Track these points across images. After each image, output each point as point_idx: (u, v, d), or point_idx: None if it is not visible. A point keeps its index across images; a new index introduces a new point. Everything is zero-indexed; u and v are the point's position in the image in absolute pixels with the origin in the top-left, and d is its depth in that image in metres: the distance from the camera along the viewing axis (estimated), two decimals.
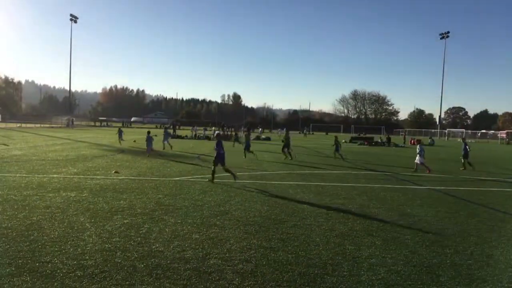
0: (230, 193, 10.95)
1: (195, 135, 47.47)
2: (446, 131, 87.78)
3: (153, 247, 6.17)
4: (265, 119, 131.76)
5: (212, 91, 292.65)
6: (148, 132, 23.08)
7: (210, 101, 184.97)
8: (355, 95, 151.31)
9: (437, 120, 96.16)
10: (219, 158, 13.13)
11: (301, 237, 7.01)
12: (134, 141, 32.17)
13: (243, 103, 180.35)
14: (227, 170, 13.20)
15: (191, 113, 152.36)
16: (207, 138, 44.61)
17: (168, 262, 5.56)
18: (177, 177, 13.69)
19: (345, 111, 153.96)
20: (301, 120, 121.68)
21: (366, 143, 46.18)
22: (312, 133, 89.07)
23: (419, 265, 5.86)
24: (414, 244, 6.84)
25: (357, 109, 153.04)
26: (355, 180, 14.79)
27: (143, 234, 6.83)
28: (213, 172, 12.99)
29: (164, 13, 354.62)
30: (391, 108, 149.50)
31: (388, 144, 44.49)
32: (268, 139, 47.89)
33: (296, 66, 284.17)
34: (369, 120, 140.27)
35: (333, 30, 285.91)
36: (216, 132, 12.94)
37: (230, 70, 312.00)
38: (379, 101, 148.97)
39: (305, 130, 78.80)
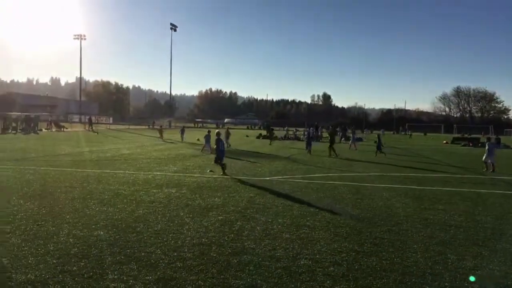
0: (320, 194, 10.84)
1: (286, 135, 47.85)
2: None
3: (245, 244, 6.36)
4: (356, 119, 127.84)
5: (302, 91, 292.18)
6: (209, 131, 24.31)
7: (299, 102, 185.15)
8: (458, 92, 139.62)
9: None
10: (220, 154, 14.39)
11: (396, 243, 6.67)
12: (198, 139, 33.56)
13: (333, 103, 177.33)
14: (220, 164, 14.34)
15: (280, 113, 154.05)
16: (297, 138, 44.67)
17: (260, 259, 5.69)
18: (267, 176, 13.95)
19: (447, 109, 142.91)
20: (395, 120, 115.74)
21: (470, 144, 42.23)
22: (410, 135, 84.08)
23: None
24: None
25: (460, 107, 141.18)
26: (458, 184, 13.64)
27: (236, 230, 7.08)
28: (223, 168, 14.22)
29: (253, 18, 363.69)
30: (500, 105, 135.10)
31: (498, 145, 40.15)
32: (360, 139, 46.36)
33: (389, 64, 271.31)
34: (474, 119, 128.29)
35: (430, 24, 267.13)
36: (217, 131, 14.21)
37: (320, 70, 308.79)
38: (486, 98, 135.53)
39: (407, 131, 74.59)
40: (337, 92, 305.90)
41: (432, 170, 17.75)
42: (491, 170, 17.48)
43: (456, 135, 61.98)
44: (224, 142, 16.46)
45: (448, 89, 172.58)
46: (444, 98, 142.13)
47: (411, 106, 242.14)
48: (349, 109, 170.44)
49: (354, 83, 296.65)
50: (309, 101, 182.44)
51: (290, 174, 14.92)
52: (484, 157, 18.21)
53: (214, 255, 5.81)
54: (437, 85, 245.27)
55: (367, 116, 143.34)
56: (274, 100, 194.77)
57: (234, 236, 6.73)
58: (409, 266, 5.63)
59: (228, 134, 29.29)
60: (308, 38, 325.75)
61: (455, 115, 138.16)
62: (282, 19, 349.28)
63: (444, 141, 44.77)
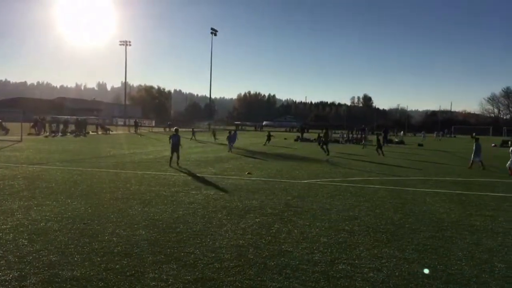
0: (360, 198, 10.63)
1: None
2: None
3: (283, 246, 6.35)
4: (398, 121, 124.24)
5: (341, 93, 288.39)
6: (229, 132, 26.52)
7: (339, 104, 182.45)
8: (507, 93, 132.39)
9: None
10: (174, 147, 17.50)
11: (439, 250, 6.42)
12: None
13: (374, 104, 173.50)
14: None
15: (319, 116, 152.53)
16: (336, 141, 44.05)
17: (297, 262, 5.66)
18: (305, 179, 13.85)
19: (495, 111, 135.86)
20: (440, 122, 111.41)
21: None
22: (454, 136, 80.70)
23: None
24: None
25: (510, 108, 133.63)
26: (507, 189, 12.93)
27: (273, 233, 7.08)
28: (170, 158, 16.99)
29: (291, 20, 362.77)
30: None
31: None
32: (402, 142, 45.04)
33: (434, 63, 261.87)
34: None
35: (478, 23, 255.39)
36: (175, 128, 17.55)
37: (361, 71, 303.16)
38: None
39: (440, 134, 71.63)
40: (378, 94, 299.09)
41: (479, 174, 16.93)
42: None
43: (506, 138, 58.74)
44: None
45: (497, 90, 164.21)
46: (492, 99, 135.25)
47: (457, 107, 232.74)
48: (391, 111, 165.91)
49: (396, 84, 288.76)
50: (348, 103, 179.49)
51: (328, 177, 14.74)
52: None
53: (252, 257, 5.84)
54: (485, 85, 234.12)
55: (410, 118, 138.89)
56: (313, 102, 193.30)
57: (272, 239, 6.74)
58: (453, 274, 5.40)
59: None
60: (348, 38, 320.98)
61: (504, 117, 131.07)
62: (320, 20, 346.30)
63: (493, 144, 42.56)
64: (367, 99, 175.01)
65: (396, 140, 47.94)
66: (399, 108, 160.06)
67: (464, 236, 7.22)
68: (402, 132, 79.47)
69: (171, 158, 17.49)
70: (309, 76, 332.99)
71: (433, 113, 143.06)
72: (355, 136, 46.96)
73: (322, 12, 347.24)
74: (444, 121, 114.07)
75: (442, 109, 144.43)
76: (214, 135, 39.57)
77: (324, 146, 24.99)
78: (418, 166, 19.55)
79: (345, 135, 46.66)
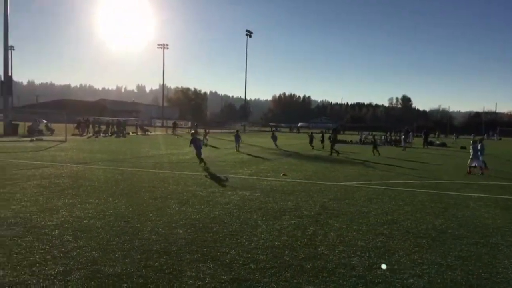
0: (399, 202, 10.35)
1: (361, 140, 46.40)
2: None
3: (319, 249, 6.28)
4: (439, 122, 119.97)
5: (379, 94, 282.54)
6: (237, 131, 28.46)
7: (376, 105, 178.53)
8: None
9: None
10: (198, 149, 18.16)
11: (484, 257, 6.14)
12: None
13: (413, 105, 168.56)
14: (199, 158, 17.77)
15: (356, 117, 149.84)
16: (373, 143, 43.07)
17: (334, 266, 5.58)
18: (342, 182, 13.64)
19: None
20: (484, 124, 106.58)
21: None
22: (500, 138, 76.93)
23: None
24: None
25: None
26: None
27: (309, 235, 7.01)
28: (201, 160, 17.75)
29: (326, 20, 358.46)
30: None
31: None
32: (443, 145, 43.46)
33: (478, 64, 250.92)
34: None
35: None
36: (192, 131, 19.84)
37: (399, 71, 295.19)
38: None
39: (495, 136, 68.14)
40: (418, 94, 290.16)
41: None
42: None
43: None
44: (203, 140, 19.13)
45: None
46: None
47: (502, 109, 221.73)
48: (431, 112, 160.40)
49: (437, 84, 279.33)
50: (386, 104, 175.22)
51: (365, 179, 14.45)
52: None
53: (287, 259, 5.81)
54: None
55: (452, 120, 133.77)
56: (349, 103, 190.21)
57: (307, 241, 6.68)
58: (498, 283, 5.15)
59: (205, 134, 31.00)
60: (386, 38, 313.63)
61: None
62: (356, 20, 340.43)
63: None
64: (406, 100, 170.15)
65: (437, 142, 46.30)
66: (440, 109, 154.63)
67: (510, 243, 6.87)
68: (442, 133, 76.66)
69: (201, 158, 17.99)
70: (345, 77, 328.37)
71: (477, 114, 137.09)
72: (393, 138, 45.71)
73: (359, 12, 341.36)
74: (489, 123, 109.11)
75: (486, 110, 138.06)
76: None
77: (333, 147, 25.95)
78: (460, 170, 18.78)
79: (383, 137, 45.61)
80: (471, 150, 17.52)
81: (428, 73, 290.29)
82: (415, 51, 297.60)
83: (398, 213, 8.99)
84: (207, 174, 14.59)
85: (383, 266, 5.60)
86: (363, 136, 48.73)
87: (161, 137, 45.83)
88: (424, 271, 5.49)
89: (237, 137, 27.04)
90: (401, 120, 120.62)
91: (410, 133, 46.30)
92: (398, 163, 21.55)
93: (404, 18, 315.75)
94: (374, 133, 48.56)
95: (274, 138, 32.55)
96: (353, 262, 5.77)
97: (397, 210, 9.36)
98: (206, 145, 18.41)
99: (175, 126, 58.63)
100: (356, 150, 31.42)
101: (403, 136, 38.88)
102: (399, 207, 9.72)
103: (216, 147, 29.67)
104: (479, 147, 17.16)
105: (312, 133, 35.66)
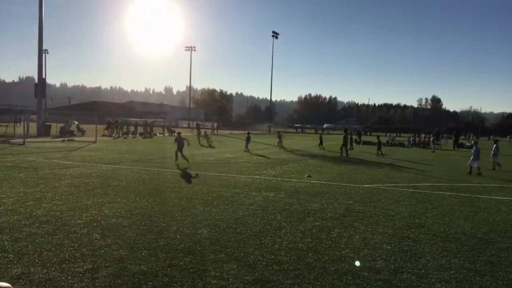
0: (427, 205, 10.10)
1: (388, 141, 45.58)
2: None
3: (343, 252, 6.21)
4: (470, 124, 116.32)
5: (407, 95, 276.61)
6: (248, 133, 29.62)
7: (404, 106, 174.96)
8: None
9: None
10: (179, 147, 18.73)
11: None
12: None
13: (443, 106, 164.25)
14: (183, 156, 18.40)
15: (383, 119, 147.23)
16: (401, 145, 42.29)
17: (358, 269, 5.50)
18: (367, 184, 13.44)
19: None
20: None
21: None
22: None
23: None
24: None
25: None
26: None
27: (333, 238, 6.95)
28: (176, 156, 18.60)
29: (352, 20, 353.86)
30: None
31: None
32: (470, 147, 42.05)
33: (511, 64, 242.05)
34: None
35: None
36: (177, 131, 21.40)
37: (428, 71, 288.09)
38: None
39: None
40: (449, 95, 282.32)
41: None
42: None
43: None
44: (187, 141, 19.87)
45: None
46: None
47: None
48: (462, 113, 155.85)
49: (468, 85, 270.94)
50: (415, 105, 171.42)
51: (392, 182, 14.18)
52: None
53: (311, 261, 5.78)
54: None
55: (484, 121, 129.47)
56: (376, 104, 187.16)
57: (332, 244, 6.62)
58: None
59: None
60: (414, 37, 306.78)
61: None
62: (383, 19, 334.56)
63: None
64: (435, 101, 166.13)
65: (468, 144, 44.88)
66: (472, 110, 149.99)
67: None
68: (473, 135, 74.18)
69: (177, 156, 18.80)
70: (372, 78, 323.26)
71: (510, 116, 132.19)
72: (422, 139, 44.65)
73: (385, 11, 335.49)
74: None
75: None
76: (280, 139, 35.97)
77: (344, 148, 26.22)
78: (491, 173, 18.17)
79: (411, 139, 44.68)
80: (473, 152, 18.09)
81: (459, 73, 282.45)
82: (445, 51, 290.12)
83: (426, 217, 8.79)
84: (232, 175, 14.66)
85: (357, 263, 5.65)
86: (390, 137, 47.86)
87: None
88: (452, 276, 5.35)
89: (248, 139, 28.24)
90: (430, 121, 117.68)
91: (441, 134, 45.06)
92: (426, 166, 21.05)
93: (434, 17, 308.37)
94: (378, 133, 47.85)
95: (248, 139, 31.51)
96: (378, 265, 5.68)
97: (424, 213, 9.15)
98: (188, 145, 19.49)
99: (198, 127, 59.21)
100: (383, 152, 30.88)
101: (431, 138, 37.94)
102: (427, 210, 9.50)
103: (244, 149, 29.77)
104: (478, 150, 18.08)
105: (321, 134, 37.93)
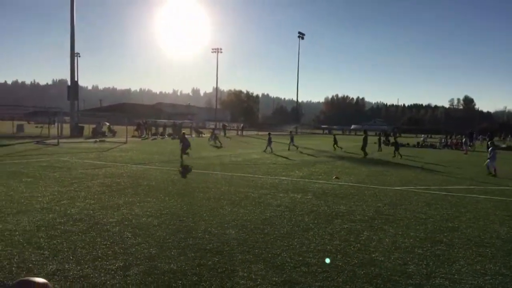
0: (460, 209, 9.80)
1: (418, 143, 44.50)
2: None
3: (373, 255, 6.10)
4: (505, 124, 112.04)
5: (439, 95, 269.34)
6: (269, 133, 29.12)
7: (435, 106, 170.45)
8: None
9: None
10: (185, 147, 20.32)
11: None
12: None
13: (476, 107, 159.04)
14: (181, 155, 20.18)
15: (413, 119, 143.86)
16: (432, 146, 41.20)
17: (389, 273, 5.40)
18: (397, 186, 13.16)
19: None
20: None
21: None
22: None
23: None
24: None
25: None
26: None
27: (363, 241, 6.84)
28: (181, 156, 20.01)
29: (380, 19, 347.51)
30: None
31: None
32: (510, 148, 40.53)
33: None
34: None
35: None
36: (182, 132, 22.99)
37: (461, 71, 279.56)
38: None
39: None
40: (482, 95, 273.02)
41: None
42: None
43: None
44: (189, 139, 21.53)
45: None
46: None
47: None
48: (496, 113, 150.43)
49: (503, 85, 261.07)
50: (446, 105, 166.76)
51: (423, 184, 13.84)
52: None
53: (340, 263, 5.71)
54: None
55: None
56: (406, 105, 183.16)
57: (361, 246, 6.52)
58: None
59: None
60: (446, 35, 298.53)
61: None
62: (412, 16, 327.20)
63: None
64: (468, 101, 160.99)
65: (503, 145, 43.25)
66: (506, 110, 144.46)
67: None
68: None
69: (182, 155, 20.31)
70: (401, 77, 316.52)
71: None
72: (454, 141, 43.34)
73: (414, 9, 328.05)
74: None
75: None
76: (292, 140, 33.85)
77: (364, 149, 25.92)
78: None
79: (443, 140, 43.49)
80: (490, 153, 18.55)
81: (493, 72, 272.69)
82: (478, 49, 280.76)
83: (459, 220, 8.53)
84: (259, 176, 14.68)
85: (327, 260, 5.69)
86: (422, 139, 46.75)
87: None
88: (486, 282, 5.16)
89: (269, 141, 28.09)
90: (462, 122, 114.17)
91: (474, 135, 43.62)
92: (459, 168, 20.44)
93: (465, 15, 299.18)
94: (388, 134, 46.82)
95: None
96: (410, 270, 5.55)
97: (458, 217, 8.87)
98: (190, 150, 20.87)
99: (225, 128, 59.81)
100: (413, 154, 30.18)
101: (463, 139, 36.78)
102: (460, 214, 9.21)
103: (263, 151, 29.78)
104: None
105: (335, 135, 37.05)
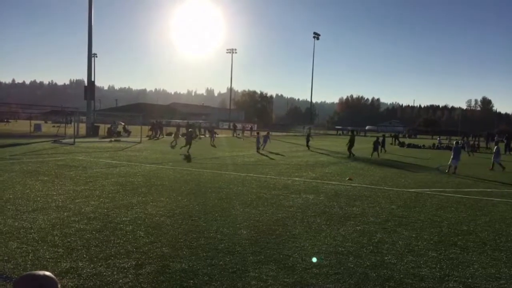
0: (476, 212, 9.63)
1: (434, 144, 43.89)
2: None
3: (385, 258, 6.05)
4: None
5: (456, 96, 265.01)
6: (258, 133, 30.38)
7: (452, 108, 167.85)
8: None
9: None
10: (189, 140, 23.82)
11: None
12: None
13: (494, 108, 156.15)
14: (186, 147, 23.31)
15: (429, 120, 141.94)
16: (448, 148, 40.51)
17: (401, 276, 5.34)
18: (412, 188, 13.01)
19: None
20: None
21: None
22: None
23: None
24: None
25: None
26: None
27: (375, 243, 6.78)
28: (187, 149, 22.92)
29: (395, 19, 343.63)
30: None
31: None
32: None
33: None
34: None
35: None
36: (190, 130, 25.03)
37: (478, 71, 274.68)
38: None
39: None
40: (500, 97, 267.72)
41: None
42: None
43: None
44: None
45: None
46: None
47: None
48: None
49: None
50: (464, 106, 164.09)
51: (438, 186, 13.64)
52: None
53: (352, 265, 5.67)
54: None
55: None
56: (422, 106, 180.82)
57: (373, 249, 6.46)
58: None
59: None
60: (462, 35, 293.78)
61: None
62: (428, 17, 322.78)
63: None
64: (486, 103, 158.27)
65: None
66: None
67: None
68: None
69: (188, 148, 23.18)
70: (417, 78, 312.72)
71: None
72: (472, 143, 42.54)
73: (430, 10, 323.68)
74: None
75: None
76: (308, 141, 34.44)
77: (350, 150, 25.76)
78: None
79: (460, 142, 42.68)
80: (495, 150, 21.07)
81: (511, 73, 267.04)
82: (496, 50, 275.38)
83: (475, 224, 8.38)
84: (271, 176, 14.67)
85: (314, 259, 5.71)
86: (437, 140, 46.09)
87: (227, 139, 46.97)
88: (501, 286, 5.07)
89: (266, 138, 28.59)
90: (480, 124, 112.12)
91: (492, 137, 42.78)
92: (475, 170, 20.08)
93: (484, 15, 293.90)
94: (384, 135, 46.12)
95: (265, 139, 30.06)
96: (423, 273, 5.48)
97: (473, 220, 8.73)
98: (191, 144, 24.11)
99: (235, 128, 60.16)
100: (428, 156, 29.79)
101: (476, 142, 36.11)
102: (476, 217, 9.05)
103: (283, 151, 29.76)
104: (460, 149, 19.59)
105: (354, 132, 37.34)
